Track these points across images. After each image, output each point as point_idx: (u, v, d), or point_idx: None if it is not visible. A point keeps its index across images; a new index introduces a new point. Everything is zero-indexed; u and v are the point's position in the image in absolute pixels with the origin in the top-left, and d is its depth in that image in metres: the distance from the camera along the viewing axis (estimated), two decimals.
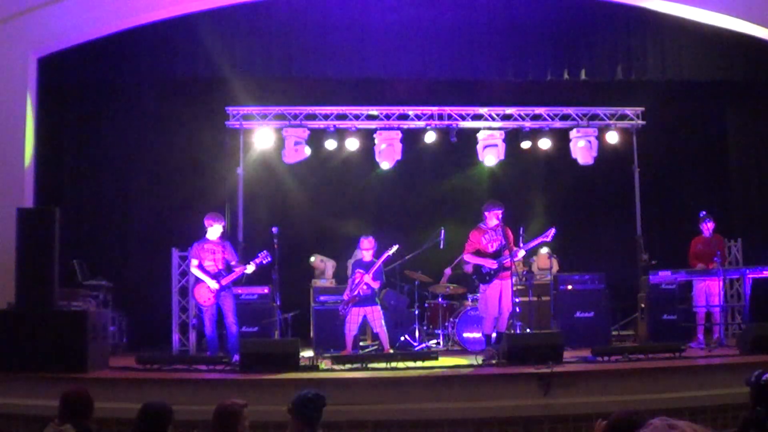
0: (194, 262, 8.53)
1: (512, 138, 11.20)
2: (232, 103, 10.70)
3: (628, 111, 11.13)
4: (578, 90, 11.22)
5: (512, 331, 8.23)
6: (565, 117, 11.16)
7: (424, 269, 10.25)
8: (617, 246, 11.21)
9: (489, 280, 8.36)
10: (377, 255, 9.03)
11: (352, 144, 11.00)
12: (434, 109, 11.05)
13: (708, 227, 9.50)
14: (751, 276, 9.05)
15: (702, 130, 12.15)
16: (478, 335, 9.26)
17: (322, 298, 9.88)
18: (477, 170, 11.60)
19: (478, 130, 11.13)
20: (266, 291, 9.55)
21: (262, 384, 6.81)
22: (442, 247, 9.35)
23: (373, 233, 9.38)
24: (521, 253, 8.42)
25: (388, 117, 11.02)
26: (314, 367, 7.52)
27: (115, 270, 10.53)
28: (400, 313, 10.06)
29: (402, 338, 9.86)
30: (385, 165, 10.92)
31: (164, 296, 10.18)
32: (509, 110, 11.10)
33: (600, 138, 11.01)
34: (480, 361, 7.74)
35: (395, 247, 8.89)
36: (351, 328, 8.88)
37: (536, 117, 11.16)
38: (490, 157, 11.02)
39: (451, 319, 9.76)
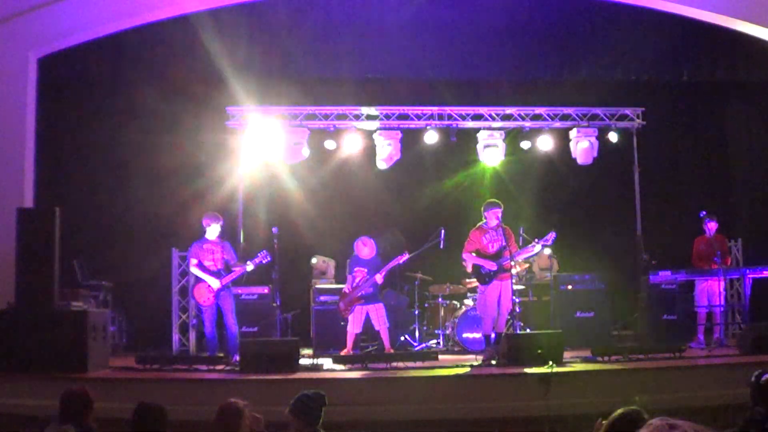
0: (193, 261, 8.53)
1: (512, 138, 11.20)
2: (232, 103, 10.70)
3: (628, 111, 11.13)
4: (578, 90, 11.22)
5: (512, 331, 8.24)
6: (565, 117, 11.16)
7: (424, 269, 10.25)
8: (617, 246, 11.20)
9: (488, 281, 8.36)
10: (380, 255, 9.05)
11: (352, 144, 11.00)
12: (434, 109, 11.05)
13: (710, 227, 9.49)
14: (751, 276, 9.04)
15: (702, 130, 12.14)
16: (478, 335, 9.26)
17: (322, 298, 9.88)
18: (477, 170, 11.59)
19: (478, 130, 11.13)
20: (266, 291, 9.55)
21: (262, 384, 6.81)
22: (442, 247, 9.34)
23: (373, 233, 9.38)
24: (537, 247, 8.37)
25: (388, 117, 11.02)
26: (314, 367, 7.52)
27: (115, 270, 10.52)
28: (400, 313, 10.05)
29: (402, 338, 9.86)
30: (382, 165, 10.92)
31: (164, 296, 10.18)
32: (509, 110, 11.10)
33: (600, 138, 11.01)
34: (480, 361, 7.74)
35: (406, 256, 8.90)
36: (354, 327, 8.88)
37: (536, 117, 11.16)
38: (490, 157, 11.02)
39: (451, 319, 9.76)
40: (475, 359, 7.83)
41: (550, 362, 6.83)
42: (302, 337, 9.00)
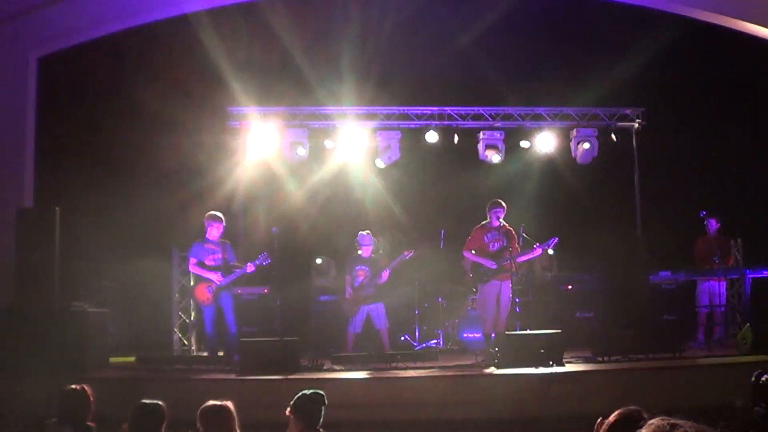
0: (193, 261, 8.53)
1: (512, 138, 11.20)
2: (232, 103, 10.70)
3: (628, 111, 11.13)
4: (578, 90, 11.22)
5: (512, 331, 8.23)
6: (565, 117, 11.16)
7: (424, 269, 10.23)
8: (617, 246, 11.19)
9: (487, 280, 8.37)
10: (378, 254, 9.04)
11: (352, 144, 11.00)
12: (434, 109, 11.05)
13: (712, 227, 9.47)
14: (751, 276, 9.04)
15: (702, 130, 12.13)
16: (478, 335, 9.26)
17: (322, 298, 9.87)
18: (477, 170, 11.59)
19: (478, 130, 11.13)
20: (266, 291, 9.55)
21: (262, 384, 6.81)
22: (442, 247, 9.34)
23: (373, 233, 9.38)
24: (538, 251, 8.39)
25: (388, 117, 11.01)
26: (314, 367, 7.51)
27: (115, 270, 10.52)
28: (400, 313, 10.04)
29: (402, 338, 9.85)
30: (380, 163, 10.92)
31: (164, 296, 10.18)
32: (509, 110, 11.10)
33: (600, 138, 11.01)
34: (480, 361, 7.73)
35: (412, 252, 8.89)
36: (355, 326, 8.88)
37: (536, 117, 11.16)
38: (490, 156, 11.02)
39: (451, 319, 9.76)
40: (475, 359, 7.83)
41: (550, 362, 6.83)
42: (302, 337, 9.00)
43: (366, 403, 6.53)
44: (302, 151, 10.75)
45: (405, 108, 11.03)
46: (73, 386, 4.70)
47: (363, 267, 9.00)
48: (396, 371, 7.26)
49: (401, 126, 11.01)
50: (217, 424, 4.00)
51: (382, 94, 11.19)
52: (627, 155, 11.02)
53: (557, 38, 10.52)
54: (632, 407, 3.03)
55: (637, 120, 11.08)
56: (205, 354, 8.65)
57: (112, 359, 8.06)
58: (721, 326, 9.22)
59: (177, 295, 10.14)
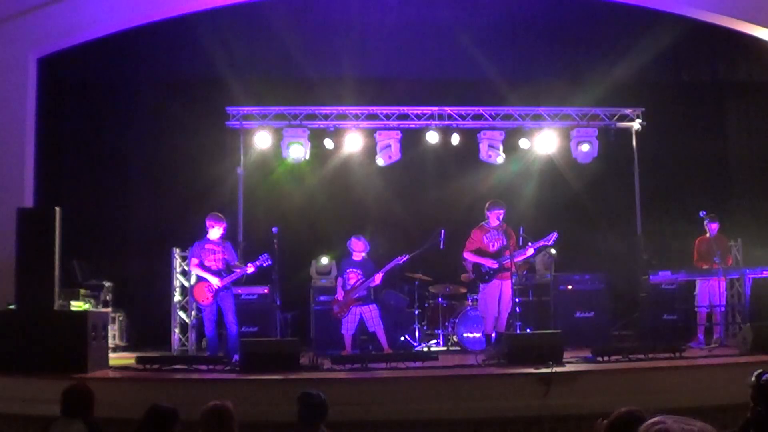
0: (194, 261, 8.53)
1: (512, 138, 11.20)
2: (232, 103, 10.70)
3: (628, 111, 11.13)
4: (578, 90, 11.23)
5: (512, 331, 8.23)
6: (565, 117, 11.16)
7: (424, 269, 10.24)
8: (617, 246, 11.21)
9: (488, 280, 8.36)
10: (371, 256, 9.04)
11: (352, 144, 11.00)
12: (434, 109, 11.05)
13: (712, 227, 9.47)
14: (751, 276, 9.04)
15: (702, 130, 12.14)
16: (478, 335, 9.26)
17: (322, 298, 9.87)
18: (477, 170, 11.58)
19: (478, 130, 11.13)
20: (266, 291, 9.55)
21: (262, 384, 6.80)
22: (442, 247, 9.34)
23: (373, 233, 9.39)
24: (530, 251, 8.42)
25: (388, 117, 11.02)
26: (314, 367, 7.51)
27: (115, 270, 10.53)
28: (400, 313, 10.05)
29: (402, 338, 9.85)
30: (380, 163, 10.92)
31: (164, 296, 10.18)
32: (509, 110, 11.10)
33: (600, 138, 11.01)
34: (480, 361, 7.73)
35: (406, 257, 8.90)
36: (349, 328, 8.89)
37: (536, 117, 11.16)
38: (491, 156, 11.01)
39: (451, 319, 9.76)
40: (475, 359, 7.83)
41: (550, 362, 6.83)
42: (302, 337, 9.00)
43: (365, 403, 6.53)
44: (302, 151, 10.75)
45: (405, 108, 11.03)
46: (75, 383, 4.72)
47: (355, 269, 9.00)
48: (396, 371, 7.26)
49: (401, 126, 11.01)
50: (218, 424, 4.01)
51: (382, 94, 11.20)
52: (627, 155, 11.02)
53: (557, 38, 10.52)
54: (632, 407, 3.03)
55: (637, 120, 11.08)
56: (205, 354, 8.64)
57: (112, 359, 8.05)
58: (721, 326, 9.21)
59: (177, 295, 10.13)
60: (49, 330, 7.11)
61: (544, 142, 11.11)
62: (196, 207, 10.02)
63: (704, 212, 9.49)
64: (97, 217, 11.09)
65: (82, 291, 8.98)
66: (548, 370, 6.65)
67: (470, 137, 11.21)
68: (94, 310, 8.15)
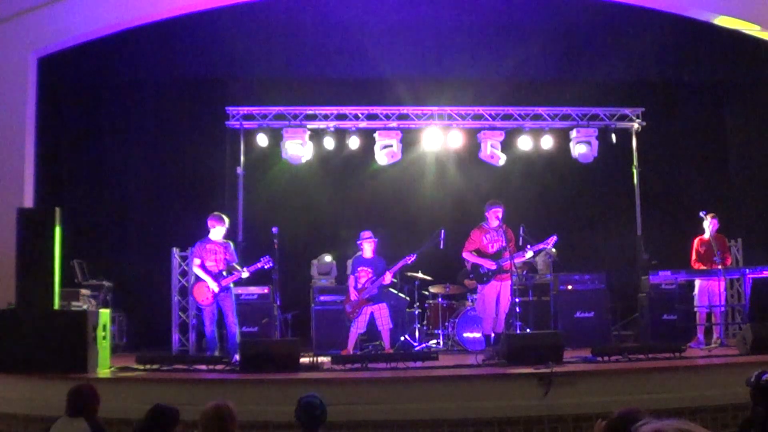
0: (197, 261, 8.51)
1: (512, 138, 11.20)
2: (232, 103, 10.71)
3: (628, 111, 11.13)
4: (578, 90, 11.23)
5: (512, 331, 8.23)
6: (565, 117, 11.16)
7: (424, 269, 10.24)
8: (617, 246, 11.21)
9: (487, 281, 8.36)
10: (380, 254, 9.04)
11: (352, 144, 11.01)
12: (434, 109, 11.06)
13: (712, 224, 9.46)
14: (751, 276, 9.03)
15: (702, 130, 12.14)
16: (478, 335, 9.26)
17: (322, 298, 9.88)
18: (477, 170, 11.59)
19: (478, 130, 11.14)
20: (266, 291, 9.56)
21: (262, 384, 6.80)
22: (442, 247, 9.34)
23: (373, 233, 9.37)
24: (529, 253, 8.42)
25: (388, 117, 11.02)
26: (314, 367, 7.51)
27: (115, 270, 10.53)
28: (400, 313, 10.05)
29: (402, 338, 9.85)
30: (383, 161, 10.92)
31: (164, 296, 10.19)
32: (509, 110, 11.11)
33: (600, 138, 11.02)
34: (480, 361, 7.73)
35: (414, 256, 8.88)
36: (359, 327, 8.87)
37: (536, 117, 11.17)
38: (490, 156, 11.02)
39: (451, 319, 9.76)
40: (475, 359, 7.82)
41: (550, 362, 6.83)
42: (302, 337, 9.00)
43: (366, 403, 6.53)
44: (302, 151, 10.75)
45: (405, 108, 11.03)
46: (80, 383, 4.74)
47: (366, 267, 8.99)
48: (396, 371, 7.26)
49: (401, 126, 11.01)
50: (218, 424, 4.01)
51: (382, 94, 11.20)
52: (627, 155, 11.03)
53: (557, 38, 10.51)
54: (632, 407, 3.03)
55: (637, 120, 11.08)
56: (205, 354, 8.64)
57: (112, 359, 8.04)
58: (721, 326, 9.21)
59: (177, 296, 10.13)
60: (49, 330, 7.11)
61: (544, 142, 11.12)
62: (196, 207, 10.02)
63: (704, 212, 9.48)
64: (97, 217, 11.09)
65: (82, 291, 8.96)
66: (548, 370, 6.65)
67: (470, 137, 11.21)
68: (94, 310, 8.13)
